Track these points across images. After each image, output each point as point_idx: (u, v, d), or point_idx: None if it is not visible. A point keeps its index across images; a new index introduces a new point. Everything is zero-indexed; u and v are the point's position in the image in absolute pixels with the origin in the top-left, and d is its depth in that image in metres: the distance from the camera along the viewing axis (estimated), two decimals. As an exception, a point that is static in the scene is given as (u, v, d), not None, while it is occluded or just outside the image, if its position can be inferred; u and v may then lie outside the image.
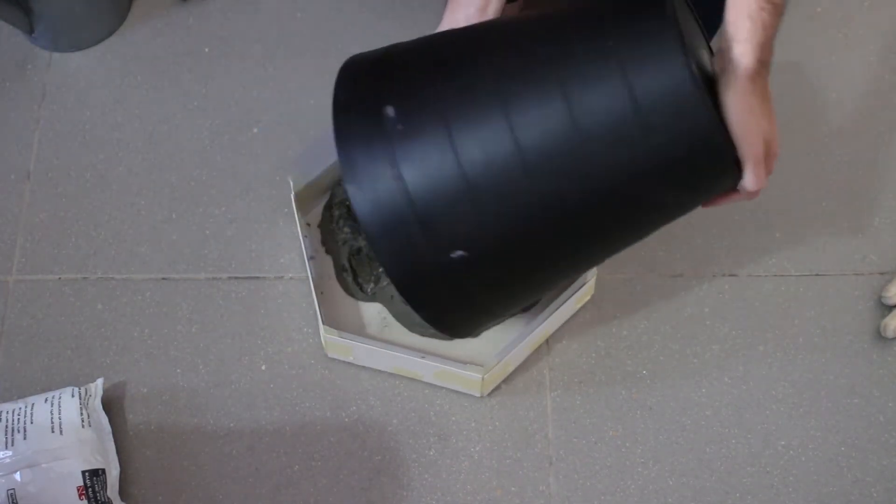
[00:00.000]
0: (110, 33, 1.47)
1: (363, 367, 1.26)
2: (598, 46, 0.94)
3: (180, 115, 1.42)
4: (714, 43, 1.11)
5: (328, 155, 1.31)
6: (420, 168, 0.97)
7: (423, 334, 1.26)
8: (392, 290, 1.27)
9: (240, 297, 1.30)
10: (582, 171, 0.95)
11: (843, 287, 1.30)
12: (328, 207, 1.33)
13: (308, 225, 1.33)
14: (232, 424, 1.23)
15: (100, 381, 1.22)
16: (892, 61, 1.44)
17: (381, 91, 1.00)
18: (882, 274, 1.31)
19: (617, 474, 1.21)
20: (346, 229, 1.31)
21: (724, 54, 0.96)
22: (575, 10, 0.98)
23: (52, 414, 1.16)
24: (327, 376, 1.26)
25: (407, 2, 1.48)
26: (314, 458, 1.22)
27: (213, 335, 1.28)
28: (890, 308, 1.28)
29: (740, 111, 0.92)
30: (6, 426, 1.15)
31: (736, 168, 0.97)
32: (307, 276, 1.28)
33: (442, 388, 1.25)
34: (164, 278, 1.32)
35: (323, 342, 1.25)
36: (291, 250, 1.32)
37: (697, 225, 1.33)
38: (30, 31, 1.42)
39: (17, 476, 1.12)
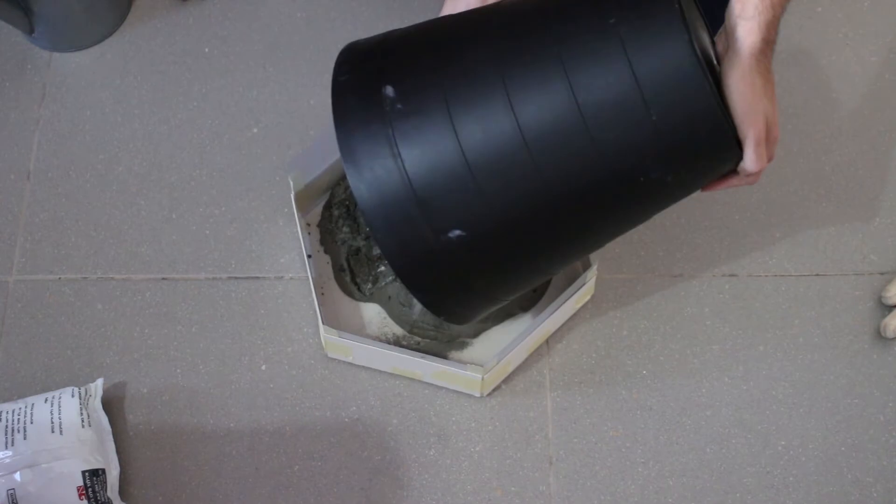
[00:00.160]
0: (110, 33, 1.47)
1: (363, 367, 1.26)
2: (599, 25, 0.93)
3: (180, 115, 1.42)
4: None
5: (328, 155, 1.31)
6: (419, 147, 0.96)
7: (422, 335, 1.26)
8: (390, 290, 1.28)
9: (240, 297, 1.30)
10: (583, 150, 0.94)
11: (843, 287, 1.30)
12: (328, 207, 1.33)
13: (308, 225, 1.33)
14: (232, 424, 1.23)
15: (100, 381, 1.22)
16: (892, 61, 1.44)
17: (381, 72, 1.00)
18: (882, 274, 1.31)
19: (617, 474, 1.21)
20: (346, 229, 1.31)
21: (729, 32, 0.95)
22: None
23: (52, 414, 1.16)
24: (327, 376, 1.26)
25: (407, 2, 1.48)
26: (314, 458, 1.22)
27: (213, 335, 1.28)
28: (890, 308, 1.28)
29: (743, 89, 0.91)
30: (6, 426, 1.15)
31: (737, 148, 0.96)
32: (307, 276, 1.28)
33: (442, 388, 1.25)
34: (164, 278, 1.32)
35: (323, 342, 1.25)
36: (291, 250, 1.33)
37: (697, 225, 1.33)
38: (30, 31, 1.42)
39: (17, 476, 1.12)
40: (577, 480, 1.21)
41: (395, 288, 1.27)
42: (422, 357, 1.21)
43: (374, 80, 0.99)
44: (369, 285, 1.29)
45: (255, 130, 1.41)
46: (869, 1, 1.48)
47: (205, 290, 1.31)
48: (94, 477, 1.14)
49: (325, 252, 1.32)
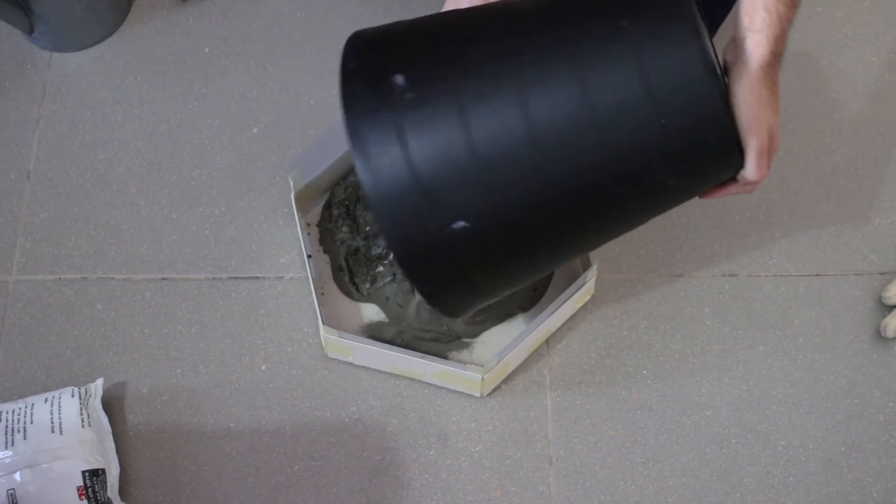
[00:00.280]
0: (110, 33, 1.47)
1: (363, 367, 1.26)
2: (612, 27, 0.94)
3: (180, 115, 1.42)
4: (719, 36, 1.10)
5: (328, 155, 1.31)
6: (427, 137, 0.96)
7: (420, 337, 1.26)
8: (387, 290, 1.28)
9: (240, 297, 1.30)
10: (590, 150, 0.95)
11: (843, 287, 1.30)
12: (327, 207, 1.33)
13: (308, 225, 1.33)
14: (232, 424, 1.23)
15: (100, 381, 1.22)
16: (892, 61, 1.44)
17: (390, 60, 1.00)
18: (882, 274, 1.31)
19: (617, 474, 1.21)
20: (345, 229, 1.31)
21: (737, 44, 0.96)
22: None
23: (52, 414, 1.16)
24: (327, 376, 1.26)
25: (406, 2, 1.48)
26: (314, 458, 1.22)
27: (213, 335, 1.28)
28: (890, 308, 1.28)
29: (750, 100, 0.93)
30: (6, 426, 1.15)
31: (740, 156, 0.97)
32: (307, 276, 1.28)
33: (442, 388, 1.25)
34: (164, 278, 1.32)
35: (323, 342, 1.25)
36: (291, 250, 1.33)
37: (697, 225, 1.33)
38: (30, 31, 1.42)
39: (17, 476, 1.12)
40: (577, 480, 1.21)
41: (392, 288, 1.27)
42: (422, 357, 1.21)
43: (383, 69, 0.99)
44: (367, 285, 1.29)
45: (255, 130, 1.41)
46: (869, 1, 1.48)
47: (205, 290, 1.31)
48: (94, 477, 1.14)
49: (325, 252, 1.32)
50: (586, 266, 1.26)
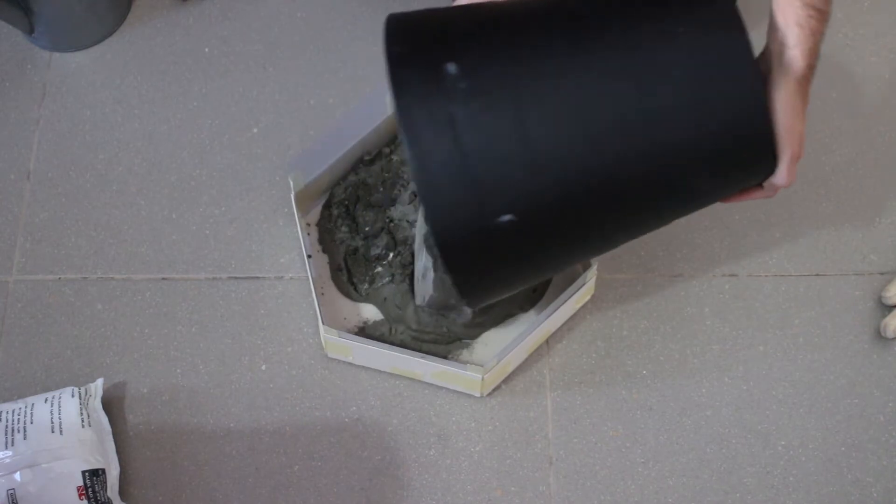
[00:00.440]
0: (110, 33, 1.47)
1: (363, 367, 1.26)
2: (666, 29, 0.96)
3: (180, 115, 1.42)
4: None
5: (328, 155, 1.31)
6: (481, 128, 0.96)
7: (419, 339, 1.26)
8: (385, 291, 1.28)
9: (240, 297, 1.30)
10: (640, 149, 0.97)
11: (843, 287, 1.30)
12: (327, 206, 1.34)
13: (308, 225, 1.33)
14: (232, 424, 1.23)
15: (100, 381, 1.22)
16: (892, 61, 1.44)
17: (438, 47, 0.99)
18: (882, 274, 1.31)
19: (617, 474, 1.21)
20: (344, 229, 1.31)
21: (772, 57, 1.00)
22: None
23: (52, 414, 1.16)
24: (327, 376, 1.26)
25: (407, 2, 1.48)
26: (314, 458, 1.22)
27: (213, 335, 1.28)
28: (890, 308, 1.28)
29: (788, 111, 0.97)
30: (6, 426, 1.15)
31: (772, 164, 1.00)
32: (307, 276, 1.28)
33: (442, 388, 1.25)
34: (164, 278, 1.32)
35: (323, 342, 1.25)
36: (291, 250, 1.33)
37: (697, 225, 1.33)
38: (30, 31, 1.42)
39: (17, 476, 1.12)
40: (577, 480, 1.21)
41: (391, 289, 1.27)
42: (422, 357, 1.21)
43: (432, 56, 0.98)
44: (366, 286, 1.29)
45: (255, 130, 1.41)
46: (869, 1, 1.48)
47: (205, 290, 1.31)
48: (94, 477, 1.14)
49: (323, 251, 1.32)
50: (586, 266, 1.26)
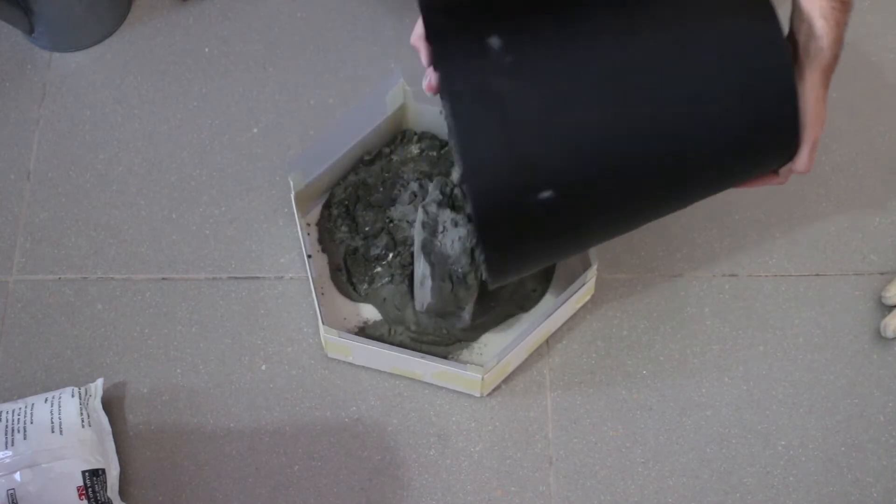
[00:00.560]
0: (110, 33, 1.47)
1: (363, 367, 1.26)
2: (707, 10, 0.99)
3: (180, 115, 1.42)
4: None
5: (328, 155, 1.31)
6: (527, 103, 0.96)
7: (418, 340, 1.26)
8: (384, 292, 1.28)
9: (240, 297, 1.30)
10: (679, 128, 0.99)
11: (843, 287, 1.30)
12: (327, 206, 1.34)
13: (308, 225, 1.33)
14: (232, 424, 1.23)
15: (100, 381, 1.22)
16: (892, 61, 1.44)
17: (480, 20, 0.99)
18: (882, 274, 1.31)
19: (617, 474, 1.21)
20: (344, 228, 1.31)
21: (800, 46, 1.03)
22: None
23: (52, 414, 1.16)
24: (327, 376, 1.26)
25: (406, 2, 1.48)
26: (314, 458, 1.22)
27: (213, 335, 1.28)
28: (890, 308, 1.28)
29: (813, 99, 1.02)
30: (6, 426, 1.15)
31: (794, 149, 1.04)
32: (307, 276, 1.28)
33: (442, 388, 1.25)
34: (164, 278, 1.32)
35: (323, 342, 1.25)
36: (291, 250, 1.33)
37: (697, 225, 1.33)
38: (30, 31, 1.42)
39: (17, 476, 1.12)
40: (577, 480, 1.21)
41: (390, 290, 1.27)
42: (422, 357, 1.21)
43: (475, 28, 0.98)
44: (365, 286, 1.29)
45: (255, 130, 1.41)
46: (869, 1, 1.48)
47: (205, 290, 1.31)
48: (94, 477, 1.14)
49: (323, 251, 1.32)
50: (586, 266, 1.26)
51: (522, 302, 1.28)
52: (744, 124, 1.00)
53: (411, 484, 1.21)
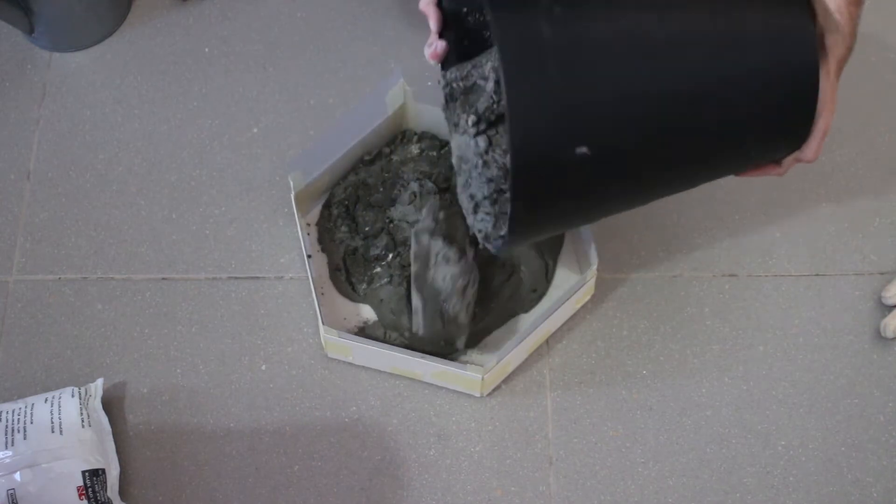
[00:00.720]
0: (110, 33, 1.47)
1: (363, 367, 1.26)
2: (746, 18, 1.04)
3: (180, 115, 1.42)
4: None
5: (328, 155, 1.31)
6: (573, 56, 0.98)
7: (411, 346, 1.25)
8: (382, 293, 1.27)
9: (240, 297, 1.30)
10: (710, 99, 1.02)
11: (843, 287, 1.30)
12: (327, 206, 1.34)
13: (308, 225, 1.33)
14: (232, 424, 1.23)
15: (100, 381, 1.22)
16: (892, 61, 1.44)
17: None
18: (882, 274, 1.31)
19: (617, 474, 1.21)
20: (344, 228, 1.31)
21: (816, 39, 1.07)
22: None
23: (52, 414, 1.16)
24: (327, 376, 1.26)
25: (406, 2, 1.48)
26: (314, 458, 1.22)
27: (213, 335, 1.28)
28: (890, 308, 1.28)
29: (827, 90, 1.05)
30: (6, 426, 1.15)
31: (804, 138, 1.08)
32: (307, 276, 1.28)
33: (442, 388, 1.25)
34: (164, 278, 1.32)
35: (323, 342, 1.25)
36: (291, 250, 1.33)
37: (697, 225, 1.33)
38: (30, 31, 1.42)
39: (17, 476, 1.12)
40: (577, 480, 1.21)
41: (388, 291, 1.27)
42: (422, 357, 1.21)
43: None
44: (364, 286, 1.29)
45: (255, 130, 1.41)
46: (869, 1, 1.48)
47: (205, 290, 1.31)
48: (94, 477, 1.14)
49: (322, 251, 1.32)
50: (586, 266, 1.26)
51: (522, 302, 1.28)
52: (767, 104, 1.04)
53: (411, 484, 1.21)
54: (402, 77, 1.31)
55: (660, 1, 1.02)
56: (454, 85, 1.13)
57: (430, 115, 1.34)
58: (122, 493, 1.19)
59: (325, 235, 1.32)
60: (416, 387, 1.25)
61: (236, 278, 1.31)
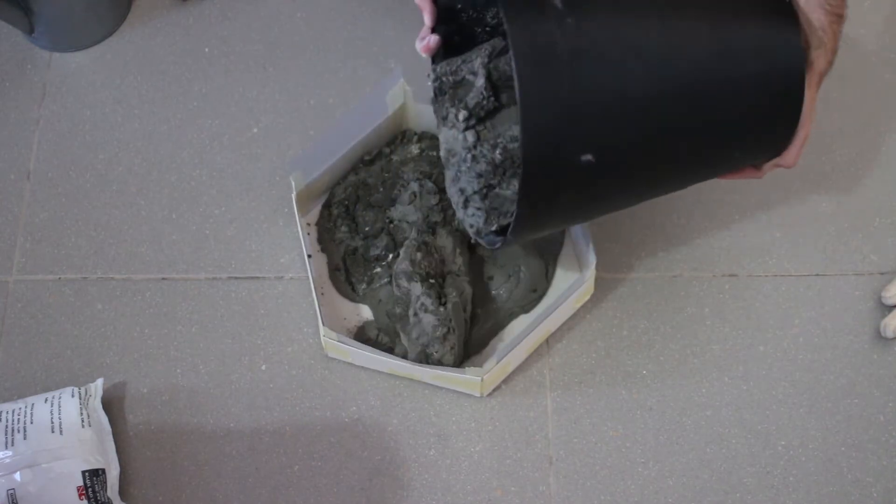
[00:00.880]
0: (110, 33, 1.47)
1: (363, 367, 1.26)
2: (743, 8, 1.07)
3: (180, 115, 1.42)
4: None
5: (328, 155, 1.31)
6: (583, 66, 1.00)
7: (409, 341, 1.25)
8: (381, 294, 1.28)
9: (240, 297, 1.30)
10: (703, 105, 1.06)
11: (843, 287, 1.30)
12: (327, 206, 1.34)
13: (308, 224, 1.33)
14: (232, 424, 1.23)
15: (100, 381, 1.22)
16: (892, 61, 1.44)
17: None
18: (882, 274, 1.31)
19: (617, 474, 1.21)
20: (344, 228, 1.31)
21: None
22: None
23: (52, 414, 1.16)
24: (327, 376, 1.26)
25: (406, 2, 1.48)
26: (314, 458, 1.22)
27: (213, 335, 1.28)
28: (890, 308, 1.28)
29: (808, 100, 1.10)
30: (6, 426, 1.15)
31: (786, 144, 1.12)
32: (307, 276, 1.28)
33: (442, 387, 1.25)
34: (164, 278, 1.32)
35: (323, 342, 1.25)
36: (291, 250, 1.33)
37: (697, 225, 1.33)
38: (30, 31, 1.42)
39: (17, 476, 1.12)
40: (577, 480, 1.21)
41: (387, 292, 1.27)
42: (420, 364, 1.21)
43: None
44: (363, 286, 1.29)
45: (255, 130, 1.41)
46: (869, 1, 1.48)
47: (205, 290, 1.31)
48: (94, 477, 1.14)
49: (322, 251, 1.32)
50: (586, 266, 1.26)
51: (522, 302, 1.28)
52: (757, 110, 1.08)
53: (411, 484, 1.21)
54: (402, 77, 1.31)
55: (663, 10, 1.04)
56: (444, 79, 1.14)
57: (430, 115, 1.33)
58: (122, 493, 1.19)
59: (325, 235, 1.32)
60: (415, 387, 1.25)
61: (236, 278, 1.31)
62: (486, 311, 1.27)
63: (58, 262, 1.33)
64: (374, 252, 1.29)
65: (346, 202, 1.33)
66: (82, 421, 1.17)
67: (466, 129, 1.13)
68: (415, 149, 1.36)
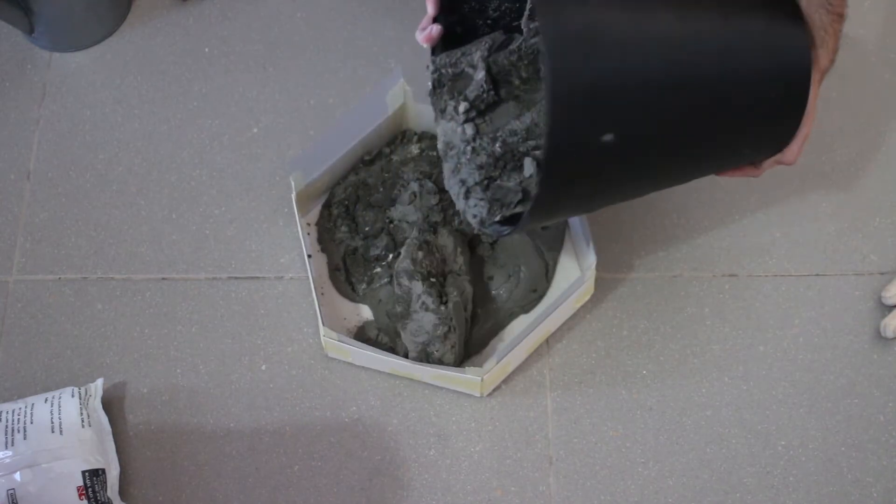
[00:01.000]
0: (110, 33, 1.47)
1: (363, 367, 1.26)
2: (753, 7, 1.09)
3: (180, 115, 1.42)
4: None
5: (328, 155, 1.31)
6: (607, 45, 1.00)
7: (410, 339, 1.25)
8: (381, 293, 1.28)
9: (240, 297, 1.30)
10: (723, 99, 1.07)
11: (843, 287, 1.30)
12: (327, 206, 1.34)
13: (308, 224, 1.33)
14: (232, 424, 1.23)
15: (100, 381, 1.22)
16: (892, 61, 1.44)
17: None
18: (882, 274, 1.31)
19: (617, 474, 1.21)
20: (344, 228, 1.31)
21: None
22: None
23: (52, 414, 1.16)
24: (327, 376, 1.26)
25: (406, 2, 1.48)
26: (314, 458, 1.22)
27: (213, 335, 1.28)
28: (890, 308, 1.28)
29: (811, 98, 1.11)
30: (6, 426, 1.15)
31: (787, 142, 1.13)
32: (307, 276, 1.28)
33: (442, 387, 1.25)
34: (164, 278, 1.32)
35: (323, 342, 1.25)
36: (291, 250, 1.33)
37: (697, 225, 1.33)
38: (30, 31, 1.42)
39: (17, 476, 1.12)
40: (577, 480, 1.21)
41: (387, 292, 1.27)
42: (420, 364, 1.21)
43: None
44: (363, 286, 1.29)
45: (255, 130, 1.41)
46: (869, 1, 1.48)
47: (205, 290, 1.31)
48: (94, 477, 1.14)
49: (322, 251, 1.32)
50: (586, 266, 1.26)
51: (522, 302, 1.28)
52: (764, 103, 1.09)
53: (411, 484, 1.21)
54: (402, 77, 1.31)
55: (680, 4, 1.06)
56: (443, 71, 1.14)
57: (430, 114, 1.33)
58: (122, 493, 1.19)
59: (325, 235, 1.32)
60: (415, 387, 1.25)
61: (236, 278, 1.31)
62: (487, 310, 1.27)
63: (58, 262, 1.33)
64: (374, 252, 1.29)
65: (346, 202, 1.33)
66: (82, 421, 1.17)
67: (466, 121, 1.13)
68: (415, 149, 1.36)
